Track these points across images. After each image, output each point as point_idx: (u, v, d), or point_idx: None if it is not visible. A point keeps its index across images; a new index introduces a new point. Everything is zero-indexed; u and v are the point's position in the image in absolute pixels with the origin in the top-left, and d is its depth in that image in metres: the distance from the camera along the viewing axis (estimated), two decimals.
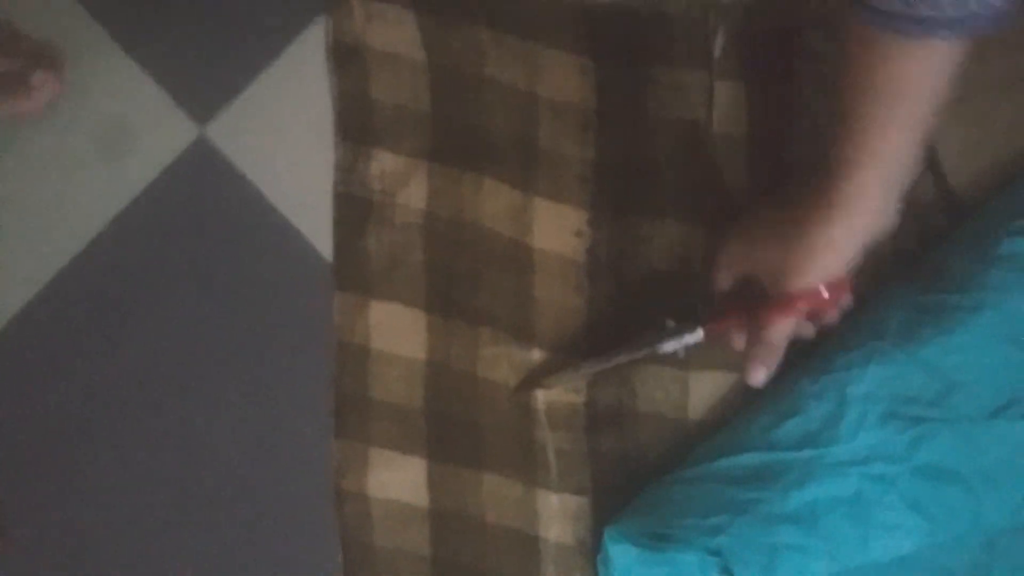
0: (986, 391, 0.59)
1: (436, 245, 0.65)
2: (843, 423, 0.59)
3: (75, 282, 0.66)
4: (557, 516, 0.66)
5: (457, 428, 0.66)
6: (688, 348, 0.60)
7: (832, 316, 0.59)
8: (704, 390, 0.65)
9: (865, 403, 0.59)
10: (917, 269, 0.63)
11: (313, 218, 0.65)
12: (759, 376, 0.59)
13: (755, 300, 0.58)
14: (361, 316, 0.66)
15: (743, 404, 0.64)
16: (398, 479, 0.66)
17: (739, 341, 0.59)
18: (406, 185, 0.65)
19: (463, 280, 0.65)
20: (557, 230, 0.64)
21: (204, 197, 0.65)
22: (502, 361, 0.65)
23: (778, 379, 0.63)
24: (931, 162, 0.62)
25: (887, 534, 0.58)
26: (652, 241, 0.63)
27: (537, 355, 0.64)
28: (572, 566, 0.66)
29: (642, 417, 0.65)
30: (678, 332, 0.60)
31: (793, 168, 0.63)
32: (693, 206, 0.64)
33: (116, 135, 0.65)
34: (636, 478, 0.65)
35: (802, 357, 0.62)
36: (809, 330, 0.60)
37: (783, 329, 0.57)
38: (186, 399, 0.66)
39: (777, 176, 0.63)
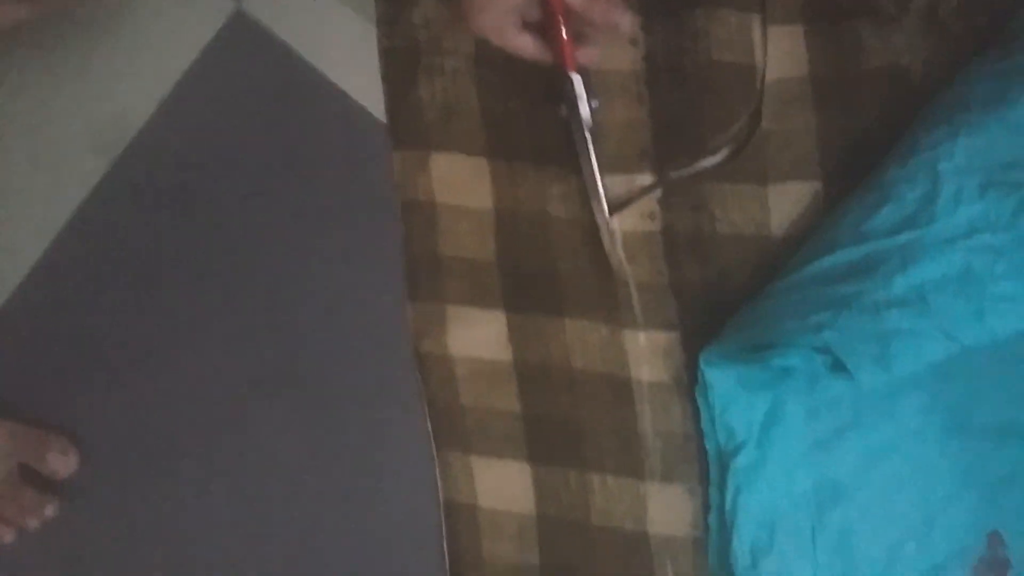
0: None
1: (489, 88, 0.61)
2: (939, 201, 0.54)
3: (128, 173, 0.63)
4: (647, 355, 0.61)
5: (533, 276, 0.62)
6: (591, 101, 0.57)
7: None
8: (785, 204, 0.60)
9: (960, 176, 0.54)
10: (992, 42, 0.58)
11: (361, 79, 0.62)
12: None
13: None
14: (423, 171, 0.62)
15: (828, 211, 0.60)
16: (479, 335, 0.62)
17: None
18: (452, 29, 0.61)
19: (522, 119, 0.61)
20: (611, 43, 0.59)
21: (248, 71, 0.62)
22: (573, 195, 0.61)
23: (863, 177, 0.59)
24: None
25: (1002, 306, 0.52)
26: (709, 34, 0.58)
27: (608, 180, 0.60)
28: (670, 404, 0.61)
29: (722, 240, 0.60)
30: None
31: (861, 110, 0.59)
32: None
33: (151, 19, 0.62)
34: (724, 308, 0.60)
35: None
36: None
37: None
38: (250, 279, 0.63)
39: (847, 117, 0.59)
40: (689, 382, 0.61)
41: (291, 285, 0.63)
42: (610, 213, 0.59)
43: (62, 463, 0.63)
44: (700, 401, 0.61)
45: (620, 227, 0.60)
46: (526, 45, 0.55)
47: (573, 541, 0.62)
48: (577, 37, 0.55)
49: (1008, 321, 0.53)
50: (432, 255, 0.62)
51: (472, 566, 0.62)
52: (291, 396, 0.63)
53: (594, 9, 0.52)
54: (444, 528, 0.63)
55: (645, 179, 0.60)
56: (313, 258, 0.63)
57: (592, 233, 0.60)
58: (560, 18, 0.53)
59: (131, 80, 0.62)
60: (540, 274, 0.62)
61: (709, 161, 0.60)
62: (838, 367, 0.54)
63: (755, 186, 0.60)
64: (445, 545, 0.63)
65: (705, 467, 0.61)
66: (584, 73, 0.57)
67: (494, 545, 0.62)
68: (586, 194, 0.59)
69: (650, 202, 0.61)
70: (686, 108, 0.60)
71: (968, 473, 0.60)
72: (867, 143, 0.59)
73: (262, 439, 0.63)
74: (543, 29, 0.55)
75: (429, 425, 0.63)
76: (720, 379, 0.60)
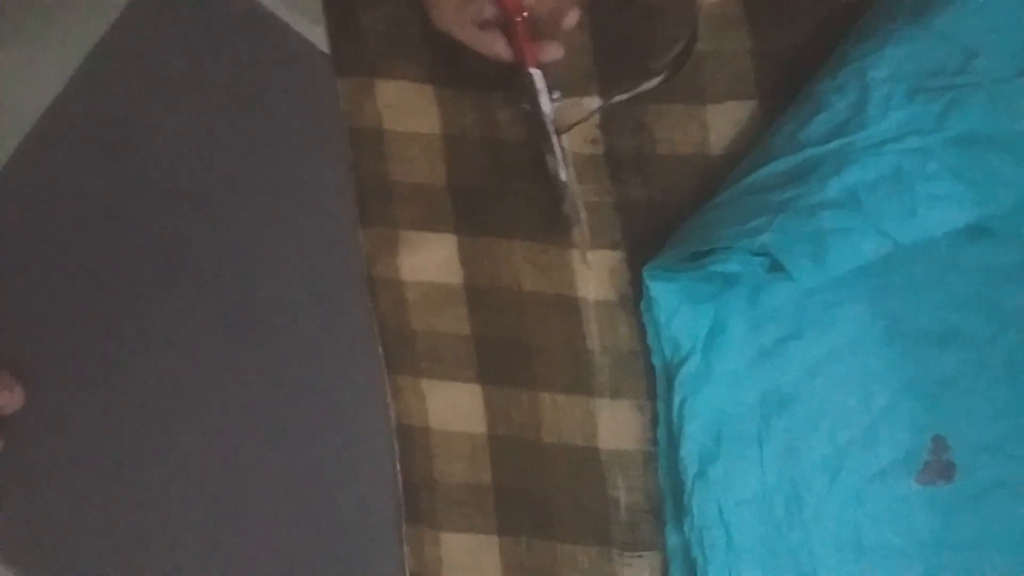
0: (1009, 51, 0.55)
1: None
2: (869, 107, 0.55)
3: (66, 113, 0.62)
4: (594, 273, 0.61)
5: (483, 199, 0.62)
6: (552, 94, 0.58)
7: None
8: (723, 123, 0.60)
9: (888, 84, 0.55)
10: None
11: (302, 9, 0.62)
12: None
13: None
14: (369, 98, 0.62)
15: (765, 128, 0.61)
16: (430, 259, 0.62)
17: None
18: None
19: (466, 45, 0.61)
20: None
21: (187, 6, 0.61)
22: (521, 120, 0.61)
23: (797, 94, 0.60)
24: None
25: (934, 204, 0.53)
26: None
27: (556, 103, 0.60)
28: (616, 322, 0.62)
29: (663, 160, 0.61)
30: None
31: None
32: None
33: None
34: (667, 226, 0.61)
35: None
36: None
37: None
38: (200, 213, 0.63)
39: (781, 36, 0.60)
40: (635, 299, 0.62)
41: (241, 216, 0.63)
42: (558, 134, 0.59)
43: (8, 399, 0.62)
44: (645, 316, 0.61)
45: (569, 147, 0.60)
46: (487, 42, 0.56)
47: (525, 459, 0.62)
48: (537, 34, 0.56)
49: (939, 217, 0.54)
50: (382, 181, 0.62)
51: (425, 487, 0.62)
52: (243, 323, 0.63)
53: (544, 7, 0.54)
54: (397, 451, 0.62)
55: (591, 102, 0.61)
56: (263, 190, 0.63)
57: (541, 156, 0.60)
58: (515, 16, 0.54)
59: (68, 17, 0.62)
60: (490, 197, 0.62)
61: (650, 84, 0.60)
62: (776, 268, 0.54)
63: (693, 106, 0.60)
64: (398, 467, 0.62)
65: (652, 383, 0.61)
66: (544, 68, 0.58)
67: (447, 466, 0.62)
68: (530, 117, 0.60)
69: (591, 127, 0.61)
70: (627, 32, 0.60)
71: (910, 379, 0.60)
72: (801, 61, 0.60)
73: (213, 368, 0.63)
74: (503, 26, 0.56)
75: (381, 349, 0.63)
76: (664, 292, 0.60)
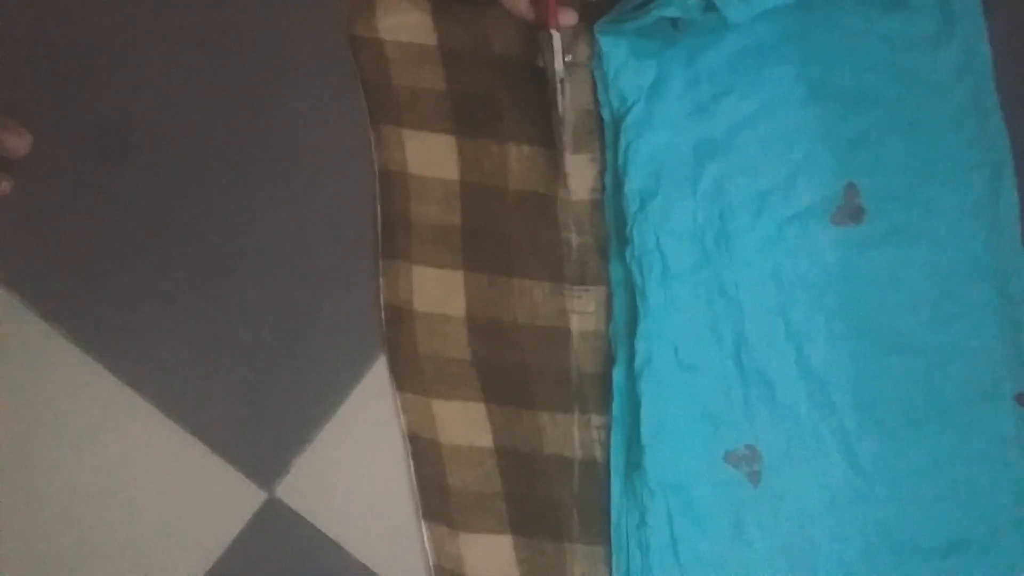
0: None
1: None
2: None
3: None
4: (558, 45, 0.64)
5: None
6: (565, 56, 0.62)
7: None
8: None
9: None
10: None
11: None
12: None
13: None
14: None
15: None
16: (405, 20, 0.67)
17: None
18: None
19: None
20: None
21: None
22: None
23: None
24: None
25: None
26: None
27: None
28: (578, 82, 0.67)
29: None
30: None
31: None
32: None
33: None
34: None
35: None
36: None
37: None
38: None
39: None
40: (591, 63, 0.67)
41: None
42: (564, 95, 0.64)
43: (16, 143, 0.64)
44: (596, 72, 0.66)
45: None
46: (518, 4, 0.61)
47: (492, 204, 0.67)
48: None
49: None
50: None
51: (401, 225, 0.67)
52: (241, 89, 0.67)
53: None
54: (378, 193, 0.67)
55: None
56: None
57: None
58: None
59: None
60: None
61: None
62: (710, 8, 0.59)
63: None
64: (378, 208, 0.67)
65: (604, 136, 0.67)
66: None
67: (421, 207, 0.67)
68: None
69: None
70: None
71: (826, 134, 0.66)
72: None
73: (206, 122, 0.66)
74: None
75: (364, 102, 0.67)
76: (613, 47, 0.65)
